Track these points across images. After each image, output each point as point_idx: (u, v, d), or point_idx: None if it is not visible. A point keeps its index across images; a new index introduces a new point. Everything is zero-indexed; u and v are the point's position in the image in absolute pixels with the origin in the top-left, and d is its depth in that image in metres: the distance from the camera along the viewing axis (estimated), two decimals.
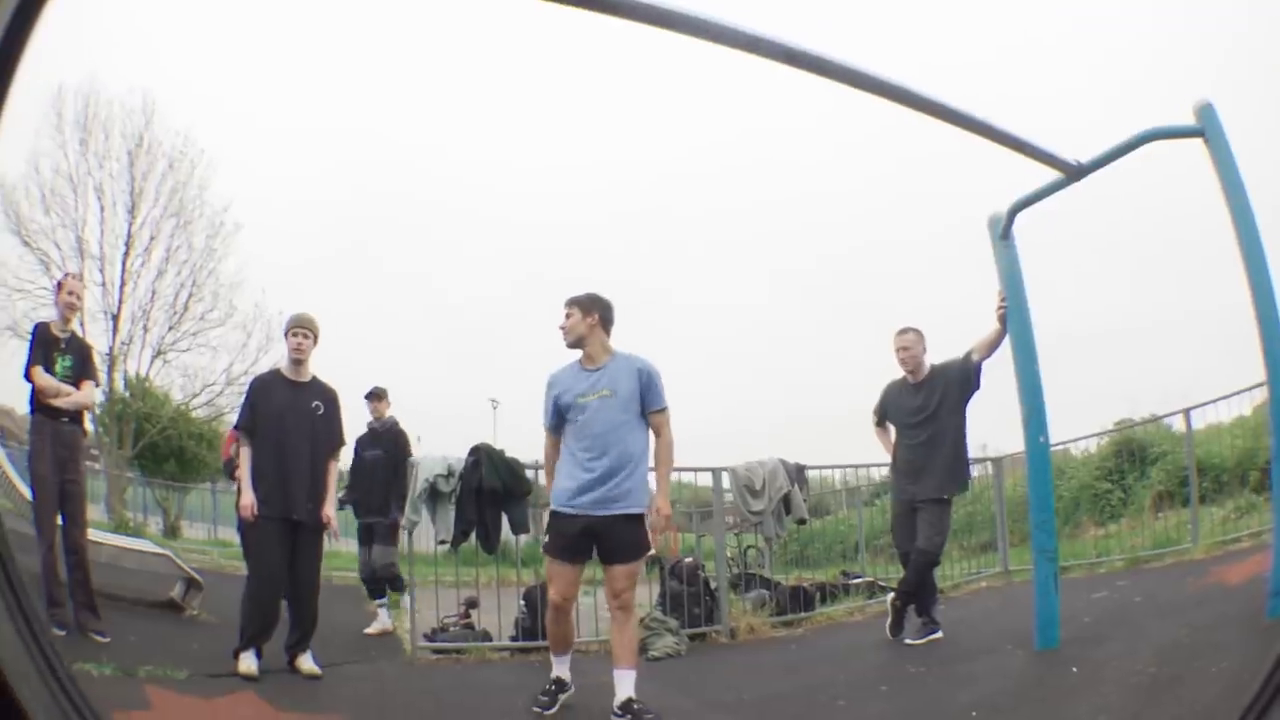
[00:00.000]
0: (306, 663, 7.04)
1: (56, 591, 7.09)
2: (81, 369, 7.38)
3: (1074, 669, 6.30)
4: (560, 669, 6.36)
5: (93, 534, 8.55)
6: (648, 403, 6.15)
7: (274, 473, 7.03)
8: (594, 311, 6.21)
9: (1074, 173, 6.57)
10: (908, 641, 7.98)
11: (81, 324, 10.22)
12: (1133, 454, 14.80)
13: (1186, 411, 12.10)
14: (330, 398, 7.42)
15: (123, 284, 21.91)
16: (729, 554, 10.92)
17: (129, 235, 22.05)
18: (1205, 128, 6.24)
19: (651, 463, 6.30)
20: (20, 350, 10.70)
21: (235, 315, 22.38)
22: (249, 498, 6.92)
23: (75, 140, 21.56)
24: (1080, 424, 15.26)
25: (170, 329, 22.37)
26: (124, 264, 21.95)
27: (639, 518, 6.09)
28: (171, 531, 20.50)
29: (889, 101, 5.14)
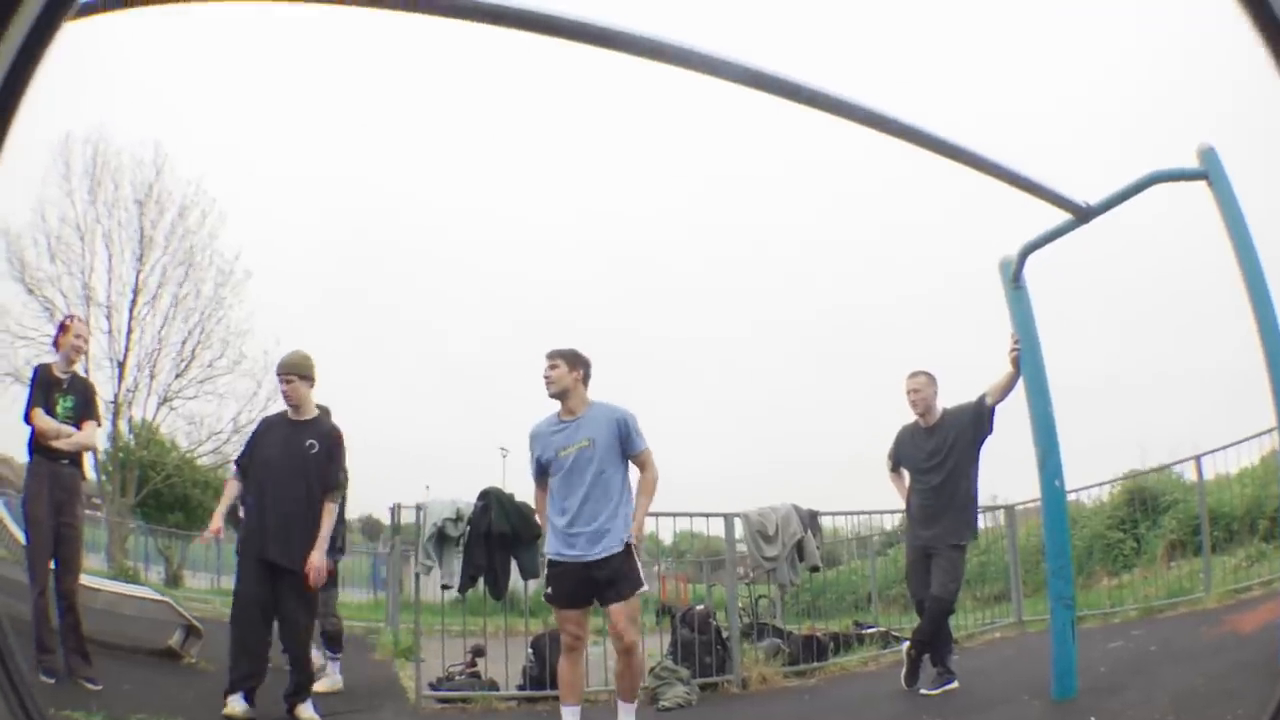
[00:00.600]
0: (306, 711, 6.92)
1: (47, 638, 6.96)
2: (83, 410, 7.30)
3: (1092, 718, 6.31)
4: (573, 718, 6.38)
5: (90, 580, 8.54)
6: (628, 449, 6.43)
7: (254, 512, 6.97)
8: (578, 367, 6.54)
9: (1083, 214, 6.61)
10: (923, 691, 7.91)
11: (85, 368, 10.15)
12: (1144, 503, 14.70)
13: (1198, 459, 12.12)
14: (328, 435, 7.23)
15: (129, 331, 22.02)
16: (739, 604, 10.88)
17: (136, 283, 22.18)
18: (1209, 170, 6.31)
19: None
20: (22, 396, 10.67)
21: (244, 363, 22.40)
22: (216, 524, 7.06)
23: (83, 189, 21.74)
24: (1091, 473, 15.16)
25: (177, 376, 22.44)
26: (131, 311, 22.06)
27: (627, 553, 6.26)
28: (174, 580, 20.43)
29: (898, 140, 5.16)
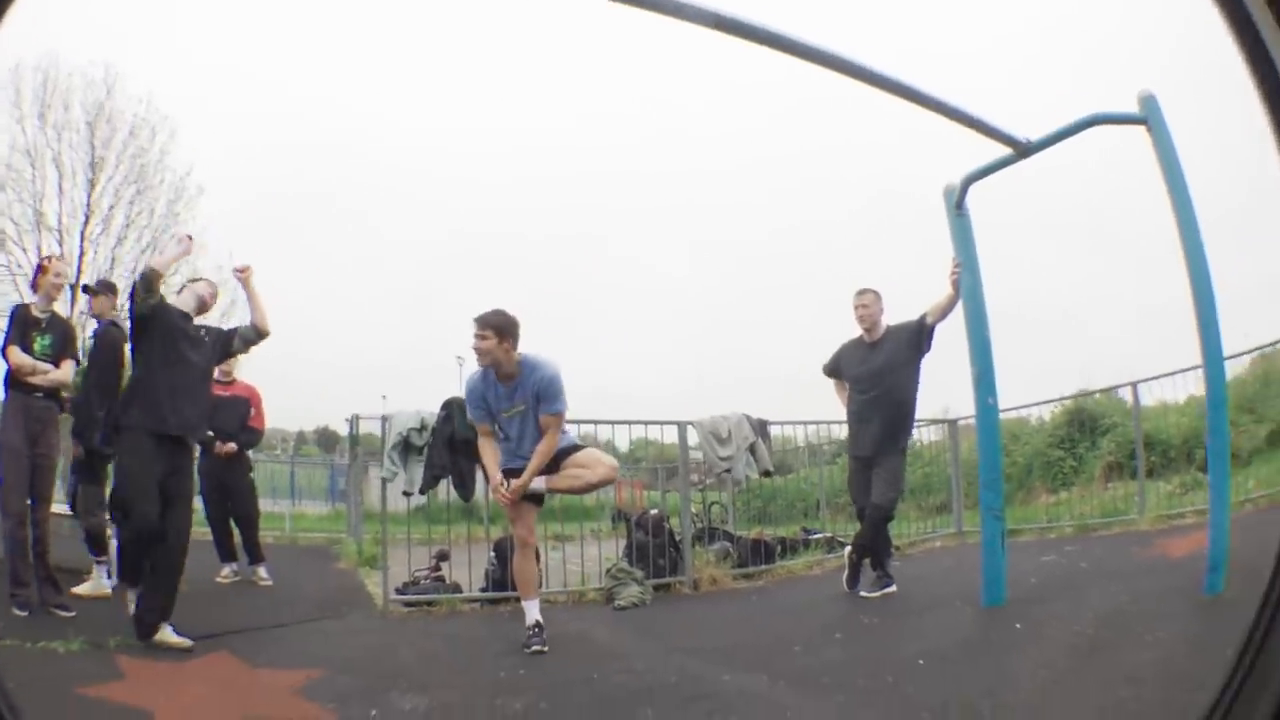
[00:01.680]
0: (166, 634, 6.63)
1: (23, 571, 7.09)
2: (61, 348, 7.47)
3: (1017, 625, 6.63)
4: (535, 613, 6.92)
5: (57, 507, 8.55)
6: (541, 410, 6.93)
7: None
8: (507, 336, 6.90)
9: (1023, 150, 6.89)
10: (863, 594, 8.30)
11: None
12: (1084, 424, 15.12)
13: (1134, 385, 12.43)
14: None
15: (81, 254, 21.83)
16: (693, 510, 11.26)
17: (88, 205, 21.99)
18: (1148, 117, 6.57)
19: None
20: None
21: (199, 280, 22.33)
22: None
23: (34, 114, 21.34)
24: (1038, 393, 15.58)
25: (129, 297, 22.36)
26: (83, 234, 21.89)
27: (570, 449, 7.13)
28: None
29: (847, 76, 5.42)
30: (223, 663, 6.25)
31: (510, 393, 6.97)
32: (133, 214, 22.20)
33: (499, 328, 6.86)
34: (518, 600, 7.39)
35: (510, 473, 6.99)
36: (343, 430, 20.02)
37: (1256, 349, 12.46)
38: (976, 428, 8.01)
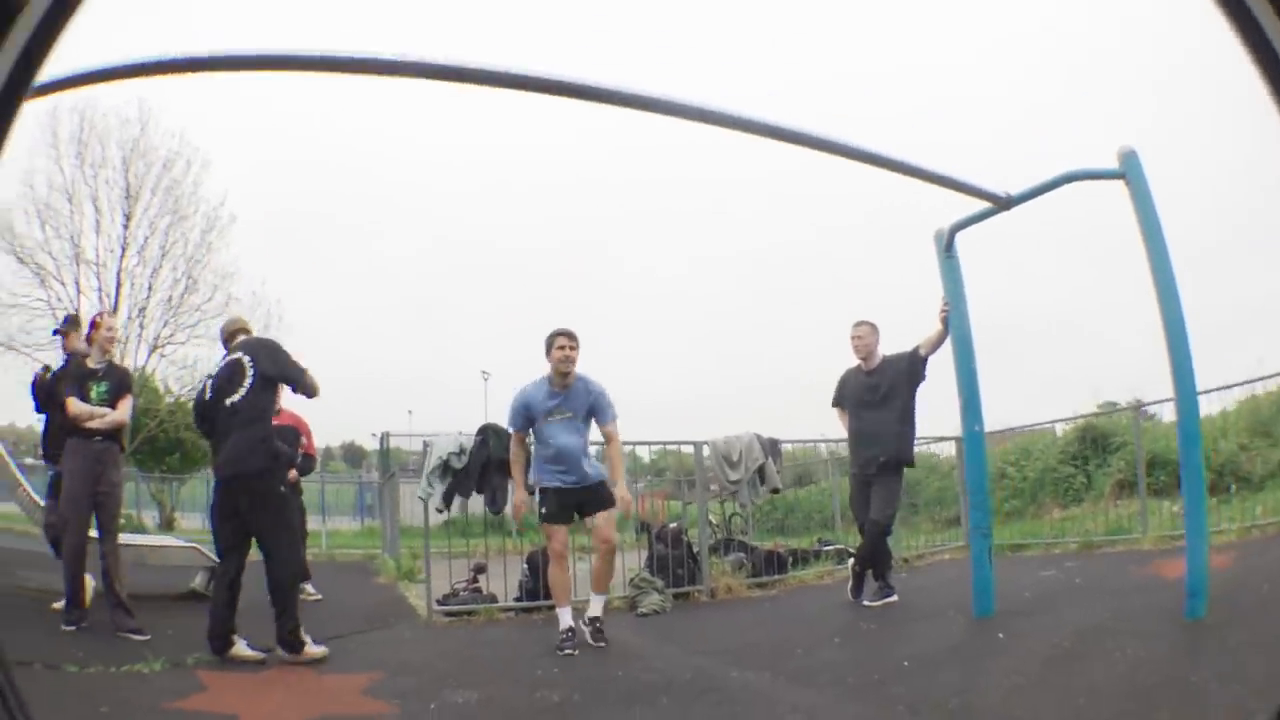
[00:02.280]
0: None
1: (79, 594, 7.71)
2: (117, 392, 8.04)
3: (1000, 635, 7.18)
4: (567, 619, 7.74)
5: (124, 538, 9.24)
6: (598, 420, 8.02)
7: None
8: (579, 349, 7.93)
9: (1004, 204, 7.47)
10: (865, 603, 8.94)
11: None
12: (1095, 441, 15.44)
13: (1137, 407, 12.92)
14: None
15: (119, 285, 22.64)
16: (714, 521, 11.91)
17: (124, 238, 22.81)
18: (1126, 172, 6.95)
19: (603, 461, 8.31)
20: (13, 363, 11.26)
21: (232, 304, 23.28)
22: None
23: (71, 154, 22.28)
24: (1055, 409, 16.02)
25: (166, 324, 23.09)
26: (120, 265, 22.72)
27: (603, 483, 7.91)
28: (168, 524, 21.05)
29: (834, 157, 6.07)
30: (293, 672, 6.88)
31: (563, 399, 7.84)
32: (168, 244, 23.02)
33: (578, 341, 7.90)
34: (550, 608, 8.37)
35: (549, 491, 7.84)
36: (368, 445, 20.62)
37: (1268, 376, 12.71)
38: (964, 452, 8.56)
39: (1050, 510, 15.22)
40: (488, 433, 9.84)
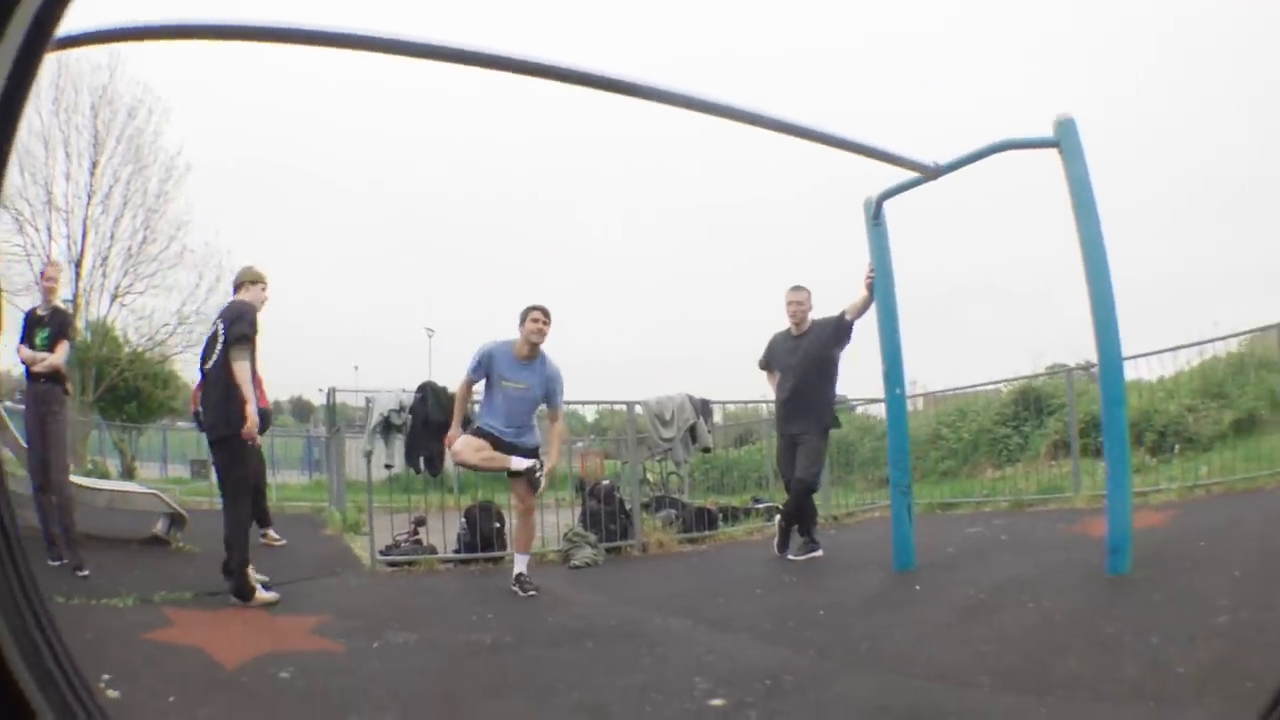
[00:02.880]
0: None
1: (51, 531, 8.06)
2: (56, 336, 8.25)
3: (917, 587, 7.47)
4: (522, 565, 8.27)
5: (85, 480, 9.79)
6: (549, 403, 8.30)
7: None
8: (550, 325, 8.18)
9: (932, 173, 7.61)
10: (790, 557, 9.20)
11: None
12: (1033, 403, 15.74)
13: (1068, 371, 13.13)
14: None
15: (85, 233, 22.52)
16: (651, 479, 12.11)
17: (90, 186, 22.60)
18: (1061, 140, 7.02)
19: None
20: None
21: (186, 255, 23.09)
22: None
23: (49, 100, 21.97)
24: (1000, 372, 16.24)
25: (126, 274, 22.99)
26: (86, 213, 22.56)
27: (537, 448, 8.27)
28: (129, 472, 20.69)
29: (764, 130, 6.19)
30: (249, 612, 7.21)
31: (525, 370, 8.12)
32: (129, 193, 22.84)
33: (551, 317, 8.17)
34: (486, 560, 9.19)
35: (485, 434, 8.10)
36: (316, 400, 20.65)
37: (1218, 338, 12.82)
38: (886, 415, 8.72)
39: (984, 470, 15.43)
40: (427, 390, 10.02)
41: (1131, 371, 11.87)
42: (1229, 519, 8.64)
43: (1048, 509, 11.57)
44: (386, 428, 10.05)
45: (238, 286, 8.19)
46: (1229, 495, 10.00)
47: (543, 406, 8.32)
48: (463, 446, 8.05)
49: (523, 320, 8.12)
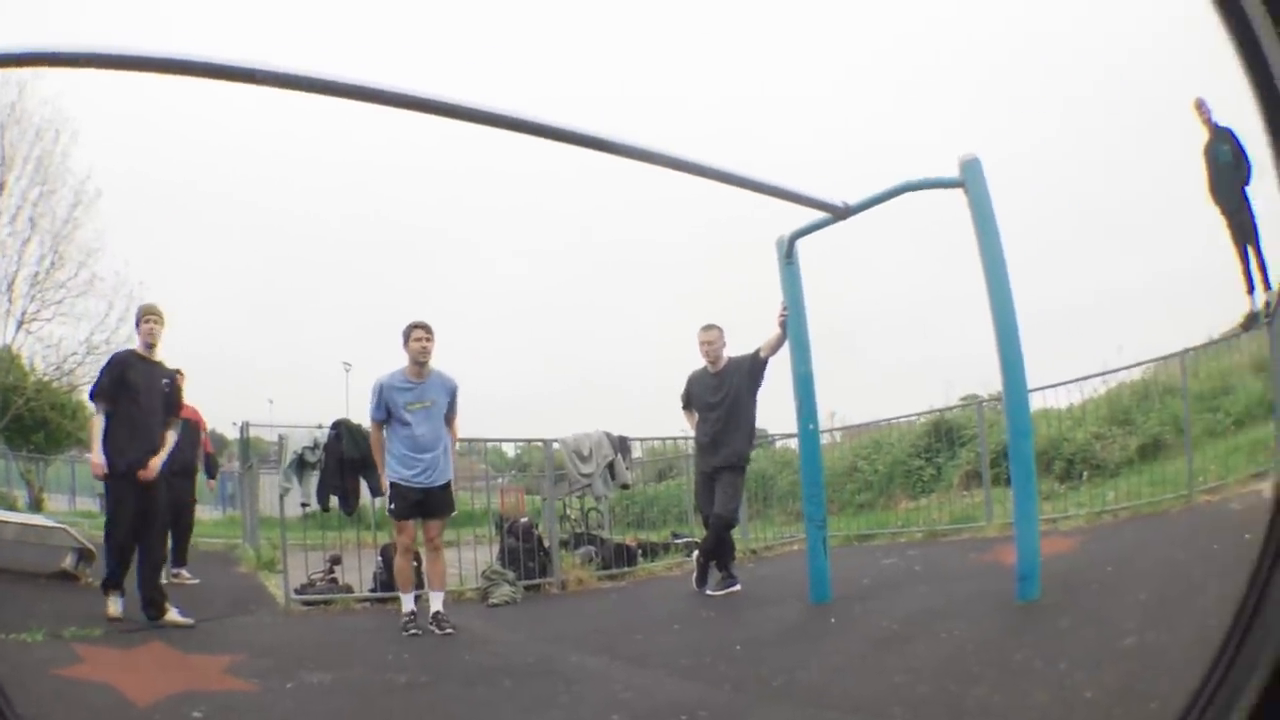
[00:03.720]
0: (172, 613, 8.04)
1: None
2: None
3: (832, 620, 7.55)
4: (409, 604, 8.18)
5: None
6: (449, 413, 8.38)
7: (124, 436, 8.00)
8: (434, 340, 8.25)
9: (841, 214, 7.70)
10: (708, 592, 9.22)
11: None
12: (945, 434, 15.64)
13: (979, 403, 13.35)
14: (174, 376, 8.45)
15: None
16: (572, 515, 12.11)
17: None
18: (965, 180, 7.16)
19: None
20: None
21: (96, 284, 22.55)
22: (99, 460, 7.90)
23: None
24: (914, 404, 16.40)
25: (33, 300, 22.56)
26: None
27: (448, 486, 8.36)
28: (37, 504, 20.10)
29: (672, 170, 6.18)
30: (161, 650, 7.14)
31: (421, 389, 8.16)
32: (36, 216, 22.33)
33: (432, 333, 8.21)
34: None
35: (398, 488, 8.14)
36: (230, 434, 20.34)
37: (1122, 368, 13.18)
38: (799, 449, 8.82)
39: (900, 501, 15.50)
40: (341, 428, 9.95)
41: (1041, 401, 12.41)
42: (1135, 542, 8.87)
43: (961, 538, 11.68)
44: (300, 465, 9.93)
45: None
46: (1135, 519, 10.14)
47: None
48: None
49: (406, 340, 8.20)
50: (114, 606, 7.90)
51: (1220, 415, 11.29)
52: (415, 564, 8.49)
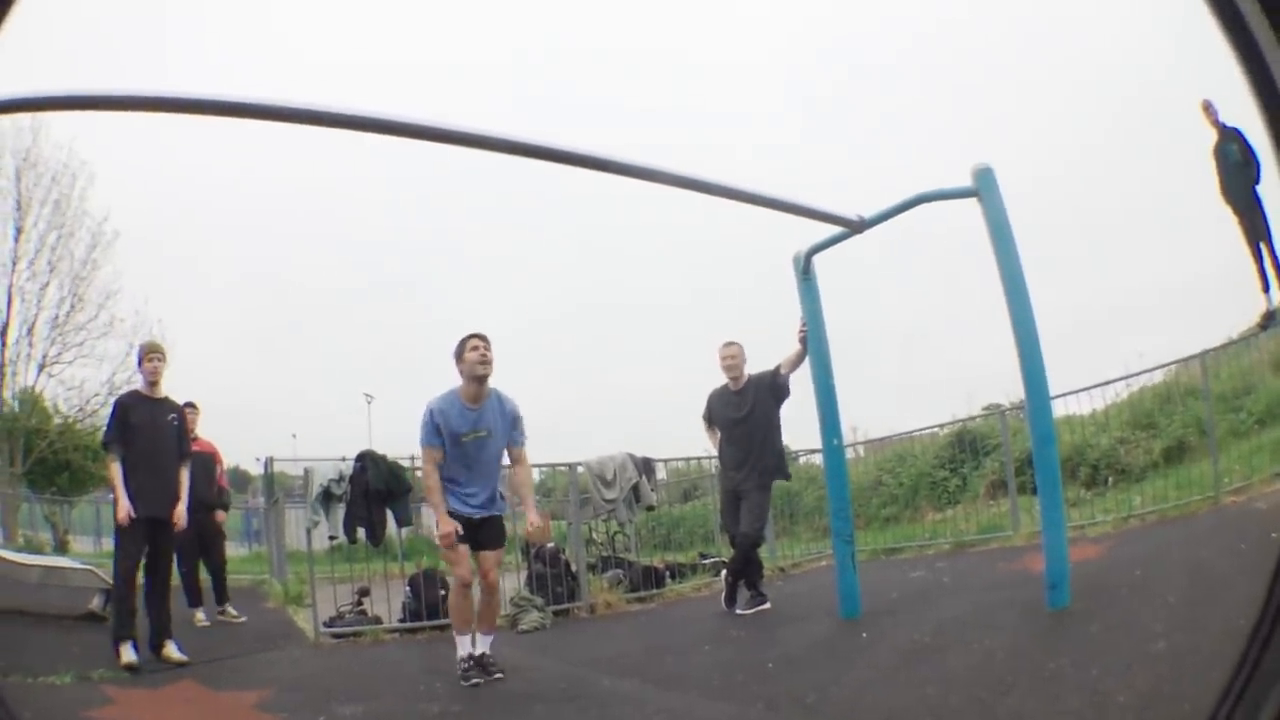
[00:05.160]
0: (172, 650, 8.07)
1: None
2: None
3: (864, 635, 7.47)
4: (467, 646, 7.26)
5: (17, 556, 9.69)
6: (511, 441, 7.46)
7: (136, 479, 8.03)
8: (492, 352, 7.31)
9: (857, 227, 7.68)
10: (738, 611, 9.20)
11: None
12: (970, 444, 15.56)
13: (1002, 412, 13.33)
14: (180, 411, 8.54)
15: (10, 300, 22.21)
16: (598, 539, 12.13)
17: (15, 253, 22.34)
18: (980, 189, 7.14)
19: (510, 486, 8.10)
20: None
21: (116, 325, 22.60)
22: (125, 507, 7.85)
23: None
24: (937, 415, 16.32)
25: (54, 343, 22.71)
26: (11, 281, 22.28)
27: (501, 518, 7.62)
28: (62, 546, 20.15)
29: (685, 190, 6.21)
30: (191, 689, 7.16)
31: (480, 415, 7.24)
32: (55, 259, 22.52)
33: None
34: (434, 629, 8.93)
35: (458, 517, 7.19)
36: (254, 470, 20.36)
37: (1143, 371, 12.91)
38: (825, 464, 8.79)
39: (926, 513, 15.47)
40: (366, 459, 10.00)
41: (1063, 407, 12.33)
42: (1162, 545, 8.79)
43: (989, 548, 11.61)
44: (327, 498, 9.95)
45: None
46: (1162, 523, 10.04)
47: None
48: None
49: (460, 356, 7.26)
50: (127, 654, 7.71)
51: (1243, 415, 11.23)
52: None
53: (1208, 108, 10.82)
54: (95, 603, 9.83)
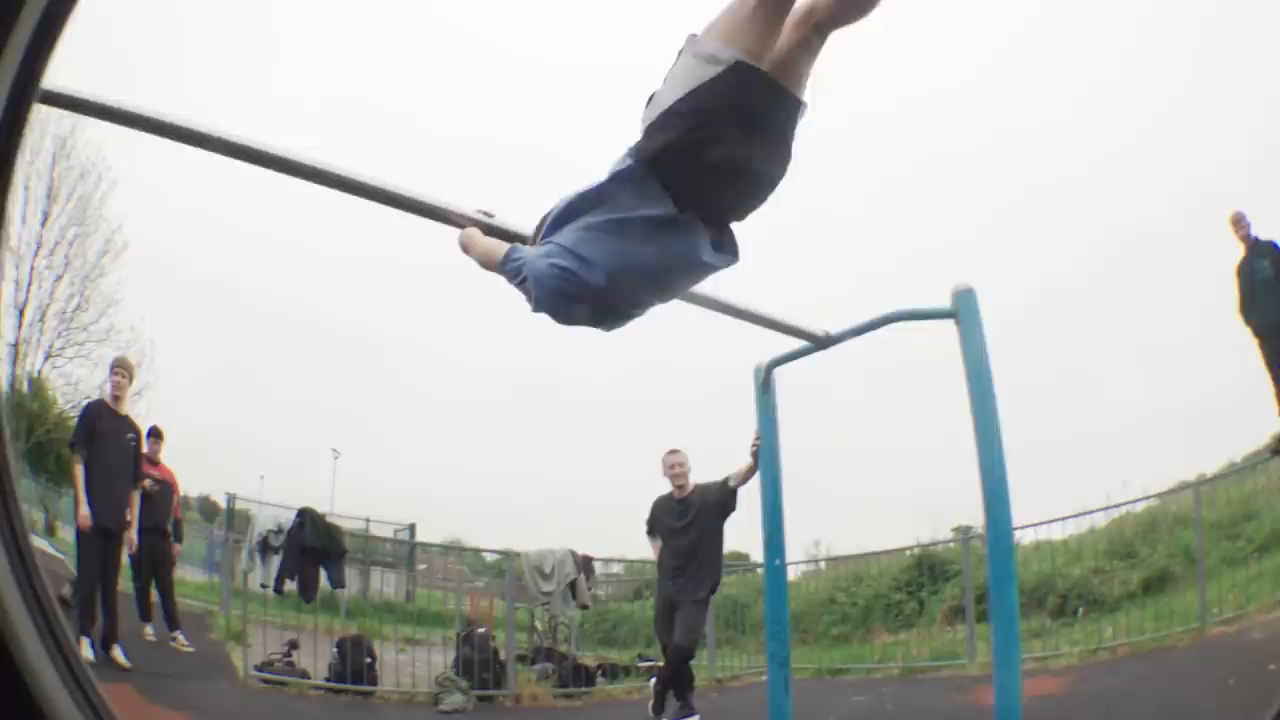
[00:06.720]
0: (117, 653, 8.33)
1: None
2: None
3: None
4: None
5: None
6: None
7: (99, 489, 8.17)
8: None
9: (822, 343, 7.48)
10: None
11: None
12: (931, 568, 15.51)
13: (965, 538, 13.14)
14: (138, 431, 8.72)
15: (30, 282, 22.28)
16: (539, 627, 11.89)
17: (40, 237, 22.52)
18: (958, 311, 6.80)
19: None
20: None
21: (113, 335, 22.84)
22: (85, 513, 8.09)
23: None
24: (896, 535, 16.22)
25: (59, 335, 22.79)
26: (32, 263, 22.39)
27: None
28: (50, 529, 20.52)
29: None
30: (127, 693, 7.28)
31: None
32: (71, 254, 22.75)
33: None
34: (354, 694, 9.19)
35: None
36: (221, 501, 20.34)
37: (1126, 502, 13.07)
38: (765, 584, 8.56)
39: (879, 635, 15.15)
40: (305, 516, 9.95)
41: (1035, 534, 12.55)
42: (1134, 679, 8.54)
43: (940, 676, 11.34)
44: (264, 546, 10.07)
45: None
46: (1136, 656, 9.76)
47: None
48: None
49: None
50: (84, 650, 7.80)
51: (1241, 543, 11.06)
52: None
53: (1238, 221, 10.30)
54: (66, 590, 9.52)
